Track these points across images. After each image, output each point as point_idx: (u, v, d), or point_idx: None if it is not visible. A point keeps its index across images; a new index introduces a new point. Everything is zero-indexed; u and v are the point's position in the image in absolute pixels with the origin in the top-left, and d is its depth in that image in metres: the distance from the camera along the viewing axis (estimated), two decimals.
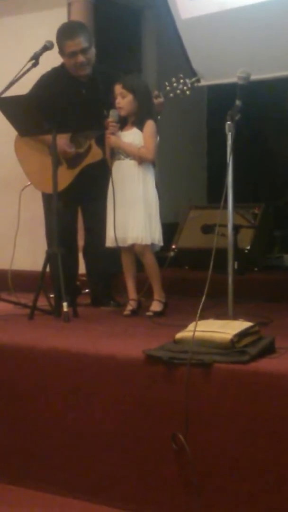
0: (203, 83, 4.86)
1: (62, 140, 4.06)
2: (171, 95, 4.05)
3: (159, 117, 4.07)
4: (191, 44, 4.79)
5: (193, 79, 4.10)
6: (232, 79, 3.49)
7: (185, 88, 4.04)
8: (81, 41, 4.07)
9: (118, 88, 3.79)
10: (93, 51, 4.15)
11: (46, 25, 5.21)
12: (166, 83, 4.05)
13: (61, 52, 4.15)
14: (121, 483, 2.73)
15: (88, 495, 2.78)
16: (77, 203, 4.28)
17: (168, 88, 4.03)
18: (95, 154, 4.03)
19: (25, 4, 5.40)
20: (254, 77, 3.53)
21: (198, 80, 4.18)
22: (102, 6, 5.39)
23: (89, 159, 4.10)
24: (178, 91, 4.04)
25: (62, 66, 4.21)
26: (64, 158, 4.12)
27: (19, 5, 5.44)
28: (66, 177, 4.11)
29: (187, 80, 4.05)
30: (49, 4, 5.31)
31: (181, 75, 4.06)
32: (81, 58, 4.08)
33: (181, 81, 4.03)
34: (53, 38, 4.07)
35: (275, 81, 4.66)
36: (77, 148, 4.12)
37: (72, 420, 2.85)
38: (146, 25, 6.12)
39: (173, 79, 4.04)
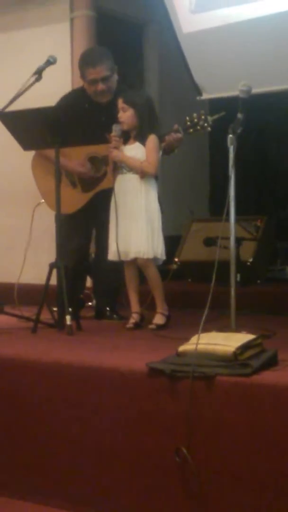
0: (205, 96, 4.90)
1: (75, 161, 4.09)
2: (191, 130, 3.95)
3: (175, 151, 4.04)
4: (193, 58, 4.83)
5: (215, 116, 4.03)
6: (234, 93, 3.51)
7: (205, 124, 3.92)
8: (103, 69, 4.09)
9: (120, 103, 3.81)
10: (115, 78, 4.16)
11: (49, 39, 5.27)
12: (187, 118, 3.95)
13: (82, 77, 4.18)
14: (124, 496, 2.72)
15: (91, 508, 2.77)
16: (92, 222, 4.32)
17: (188, 123, 3.94)
18: (110, 181, 4.03)
19: (28, 19, 5.44)
20: (256, 90, 3.55)
21: (220, 116, 4.08)
22: (104, 21, 5.43)
23: (103, 185, 4.13)
24: (199, 127, 3.94)
25: (83, 88, 4.24)
26: (80, 179, 4.15)
27: (21, 19, 5.47)
28: (79, 200, 4.17)
29: (208, 117, 3.94)
30: (52, 19, 5.34)
31: (202, 111, 3.97)
32: (101, 86, 4.10)
33: (202, 117, 3.91)
34: (56, 52, 4.09)
35: (277, 94, 4.69)
36: (94, 172, 4.15)
37: (75, 433, 2.85)
38: (148, 39, 6.16)
39: (194, 115, 3.93)
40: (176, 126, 3.96)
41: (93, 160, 4.16)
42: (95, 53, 4.33)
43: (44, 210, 4.29)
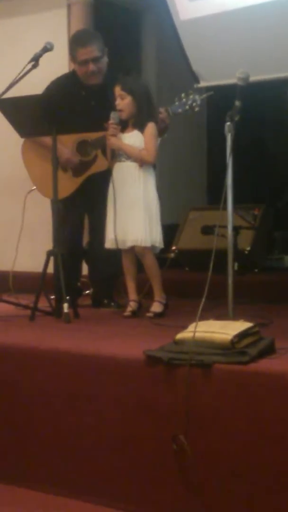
0: (202, 84, 4.87)
1: (68, 149, 4.08)
2: (180, 110, 3.98)
3: (165, 135, 4.04)
4: (190, 46, 4.80)
5: (203, 95, 4.04)
6: (232, 80, 3.49)
7: (194, 104, 3.96)
8: (93, 50, 4.09)
9: (117, 90, 3.79)
10: (105, 60, 4.15)
11: (46, 26, 5.24)
12: (176, 98, 3.98)
13: (73, 59, 4.18)
14: (121, 484, 2.73)
15: (88, 495, 2.78)
16: (84, 208, 4.31)
17: (177, 103, 3.97)
18: (101, 164, 4.04)
19: (25, 6, 5.41)
20: (253, 78, 3.54)
21: (208, 96, 4.09)
22: (101, 8, 5.40)
23: (94, 169, 4.12)
24: (187, 107, 3.97)
25: (73, 73, 4.23)
26: (69, 167, 4.15)
27: (18, 6, 5.44)
28: (70, 184, 4.15)
29: (197, 96, 3.98)
30: (49, 6, 5.32)
31: (191, 91, 4.00)
32: (92, 66, 4.09)
33: (191, 96, 3.95)
34: (53, 39, 4.07)
35: (275, 82, 4.67)
36: (84, 156, 4.14)
37: (73, 421, 2.86)
38: (146, 26, 6.12)
39: (183, 94, 3.96)
40: (162, 109, 3.96)
41: (83, 144, 4.15)
42: (85, 34, 4.37)
43: (37, 197, 4.28)
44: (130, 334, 3.35)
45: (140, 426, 2.69)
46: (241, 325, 2.77)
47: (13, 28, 5.48)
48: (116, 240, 3.79)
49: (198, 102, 3.99)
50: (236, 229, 4.40)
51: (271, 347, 2.74)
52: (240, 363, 2.53)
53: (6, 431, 3.03)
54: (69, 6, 5.27)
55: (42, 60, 3.94)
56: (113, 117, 3.79)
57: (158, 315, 3.80)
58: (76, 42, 4.18)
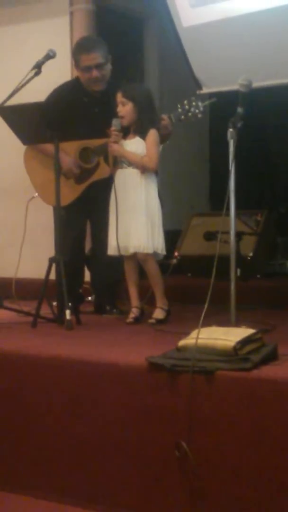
0: (205, 90, 4.88)
1: (71, 159, 4.09)
2: (183, 117, 3.99)
3: (167, 141, 4.05)
4: (193, 52, 4.81)
5: (206, 102, 4.06)
6: (234, 87, 3.50)
7: (197, 111, 3.98)
8: (97, 56, 4.09)
9: (119, 97, 3.80)
10: (108, 67, 4.16)
11: (48, 33, 5.25)
12: (178, 105, 3.99)
13: (76, 65, 4.19)
14: (123, 491, 2.73)
15: (90, 502, 2.78)
16: (86, 214, 4.31)
17: (180, 110, 3.98)
18: (103, 171, 4.05)
19: (27, 13, 5.42)
20: (256, 84, 3.54)
21: (210, 102, 4.12)
22: (104, 15, 5.41)
23: (96, 176, 4.13)
24: (190, 114, 3.98)
25: (77, 80, 4.24)
26: (70, 176, 4.16)
27: (21, 13, 5.46)
28: (73, 191, 4.16)
29: (199, 103, 3.99)
30: (51, 13, 5.33)
31: (193, 98, 4.00)
32: (95, 73, 4.10)
33: (193, 103, 3.96)
34: (55, 46, 4.08)
35: (278, 88, 4.67)
36: (86, 163, 4.14)
37: (75, 428, 2.85)
38: (148, 33, 6.14)
39: (185, 102, 3.97)
40: (165, 116, 3.96)
41: (86, 151, 4.15)
42: (89, 40, 4.37)
43: (39, 204, 4.29)
44: (133, 341, 3.35)
45: (143, 433, 2.69)
46: (243, 332, 2.77)
47: (15, 35, 5.49)
48: (118, 246, 3.79)
49: (201, 109, 4.00)
50: (239, 235, 4.40)
51: (274, 354, 2.74)
52: (243, 370, 2.52)
53: (8, 438, 3.03)
54: (71, 14, 5.27)
55: (44, 67, 3.96)
56: (115, 124, 3.79)
57: (160, 322, 3.79)
58: (80, 48, 4.19)
